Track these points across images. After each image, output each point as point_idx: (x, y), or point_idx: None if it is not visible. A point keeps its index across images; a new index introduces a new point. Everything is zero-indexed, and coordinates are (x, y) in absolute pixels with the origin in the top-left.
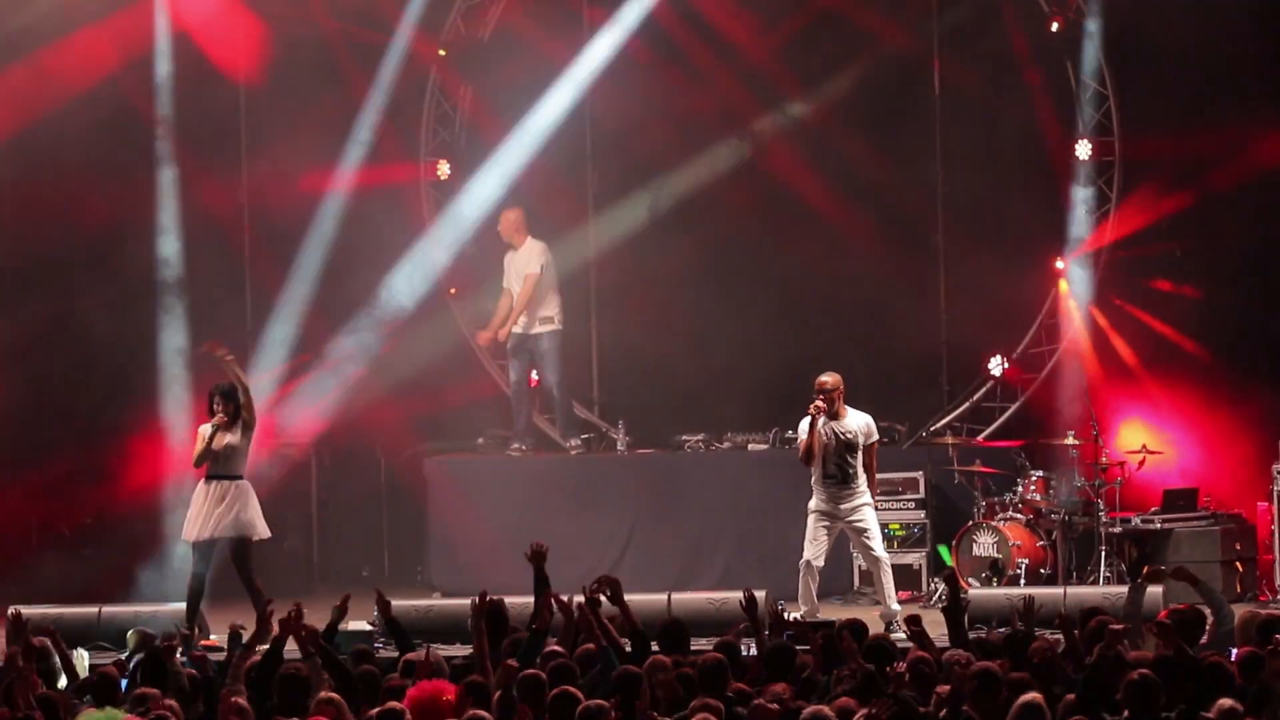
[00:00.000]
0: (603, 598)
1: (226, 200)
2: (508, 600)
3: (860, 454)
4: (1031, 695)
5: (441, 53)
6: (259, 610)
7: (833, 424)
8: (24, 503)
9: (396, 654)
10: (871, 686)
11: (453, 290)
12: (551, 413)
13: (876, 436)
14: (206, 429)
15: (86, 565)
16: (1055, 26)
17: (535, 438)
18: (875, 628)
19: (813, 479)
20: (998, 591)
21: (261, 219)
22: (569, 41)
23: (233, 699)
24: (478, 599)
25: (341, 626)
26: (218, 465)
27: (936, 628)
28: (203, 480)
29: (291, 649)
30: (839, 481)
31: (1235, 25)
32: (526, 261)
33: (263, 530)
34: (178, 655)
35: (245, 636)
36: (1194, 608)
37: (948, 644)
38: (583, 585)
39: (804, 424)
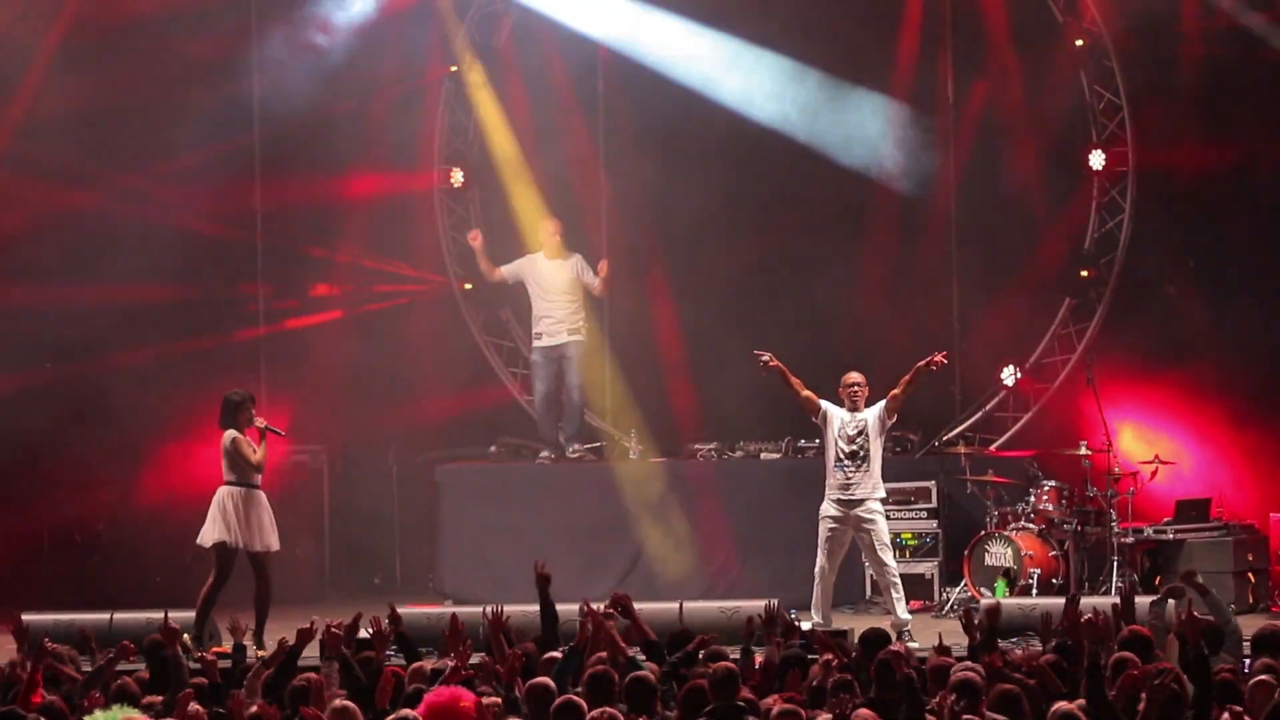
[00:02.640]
0: (616, 613)
1: (240, 206)
2: (519, 609)
3: (874, 442)
4: (1066, 706)
5: (453, 69)
6: (259, 621)
7: (851, 414)
8: (36, 510)
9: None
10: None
11: (467, 285)
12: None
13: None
14: (241, 437)
15: (98, 572)
16: (1080, 43)
17: (560, 448)
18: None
19: (826, 468)
20: (1010, 601)
21: (276, 226)
22: (582, 49)
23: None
24: (492, 613)
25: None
26: (247, 474)
27: (948, 638)
28: (241, 487)
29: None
30: (850, 465)
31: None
32: (584, 272)
33: (275, 543)
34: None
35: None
36: (1210, 622)
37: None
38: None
39: (834, 406)
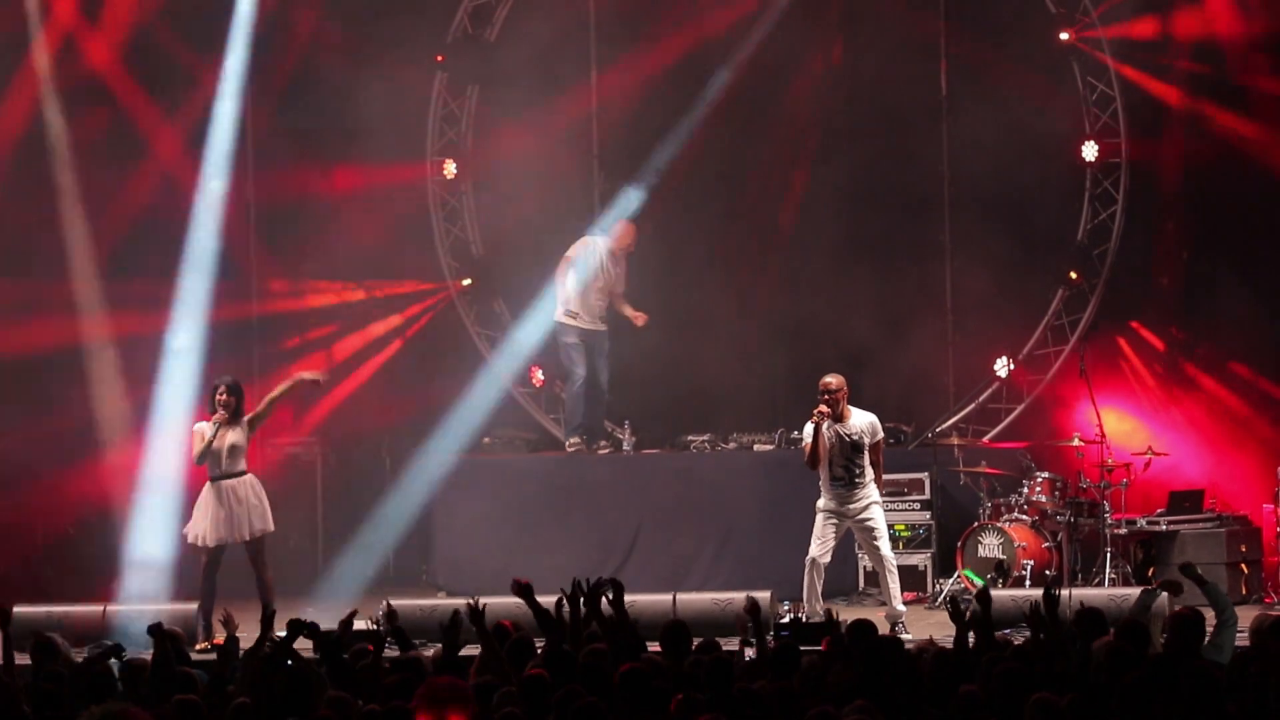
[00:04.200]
0: (604, 599)
1: (231, 199)
2: (514, 601)
3: (867, 454)
4: (1044, 694)
5: (439, 59)
6: (265, 606)
7: (837, 426)
8: (28, 502)
9: (398, 654)
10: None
11: (466, 281)
12: (559, 412)
13: (881, 435)
14: (206, 428)
15: (89, 565)
16: (1065, 37)
17: (593, 434)
18: (881, 628)
19: (821, 480)
20: (1003, 593)
21: (266, 217)
22: (576, 41)
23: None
24: (469, 607)
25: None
26: (221, 465)
27: (940, 629)
28: (210, 483)
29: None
30: (846, 483)
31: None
32: (622, 280)
33: (270, 524)
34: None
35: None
36: (1195, 610)
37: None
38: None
39: (808, 428)
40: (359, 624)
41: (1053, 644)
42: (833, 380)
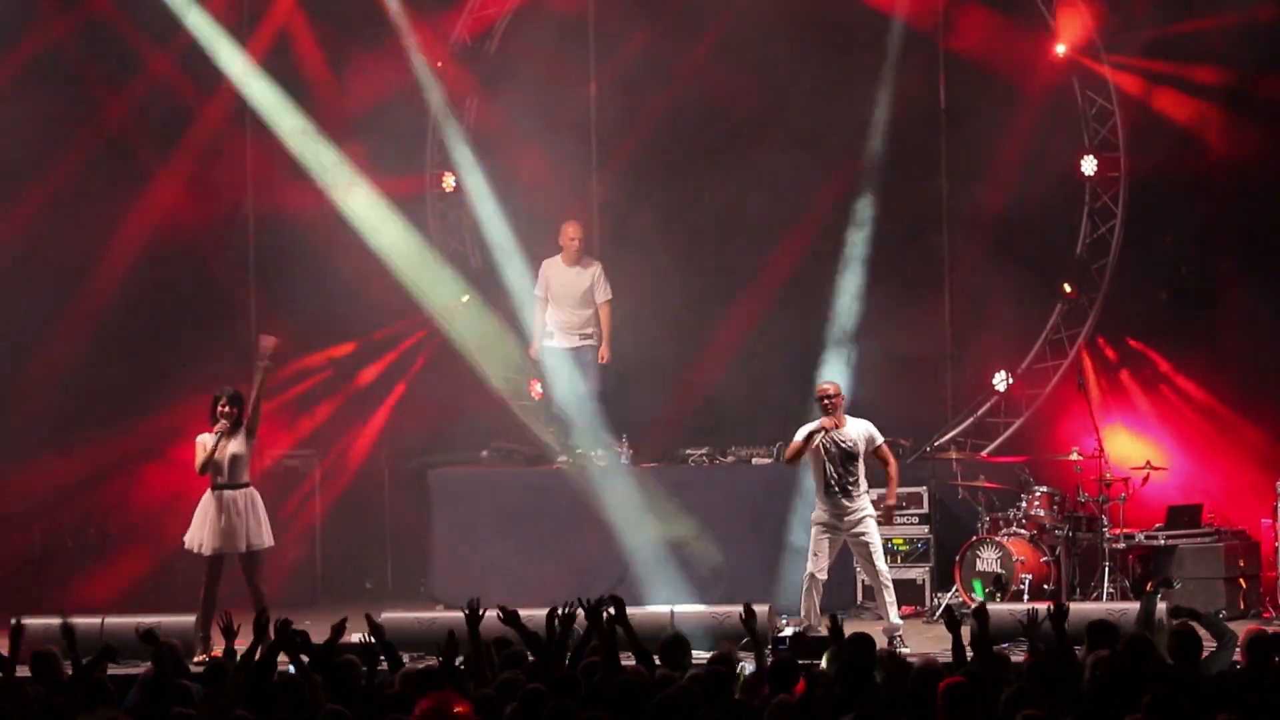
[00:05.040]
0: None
1: (231, 210)
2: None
3: (862, 463)
4: (1031, 711)
5: (438, 65)
6: (259, 614)
7: (833, 433)
8: (29, 514)
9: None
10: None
11: (464, 299)
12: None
13: (882, 440)
14: (208, 438)
15: (90, 576)
16: (1061, 50)
17: (573, 453)
18: (879, 642)
19: (815, 491)
20: (1001, 607)
21: (267, 229)
22: (575, 52)
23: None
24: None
25: (341, 640)
26: (223, 474)
27: (939, 643)
28: (210, 490)
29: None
30: (841, 493)
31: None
32: (596, 287)
33: (269, 539)
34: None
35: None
36: (1191, 627)
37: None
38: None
39: (805, 429)
40: (354, 637)
41: (1056, 660)
42: (830, 386)
